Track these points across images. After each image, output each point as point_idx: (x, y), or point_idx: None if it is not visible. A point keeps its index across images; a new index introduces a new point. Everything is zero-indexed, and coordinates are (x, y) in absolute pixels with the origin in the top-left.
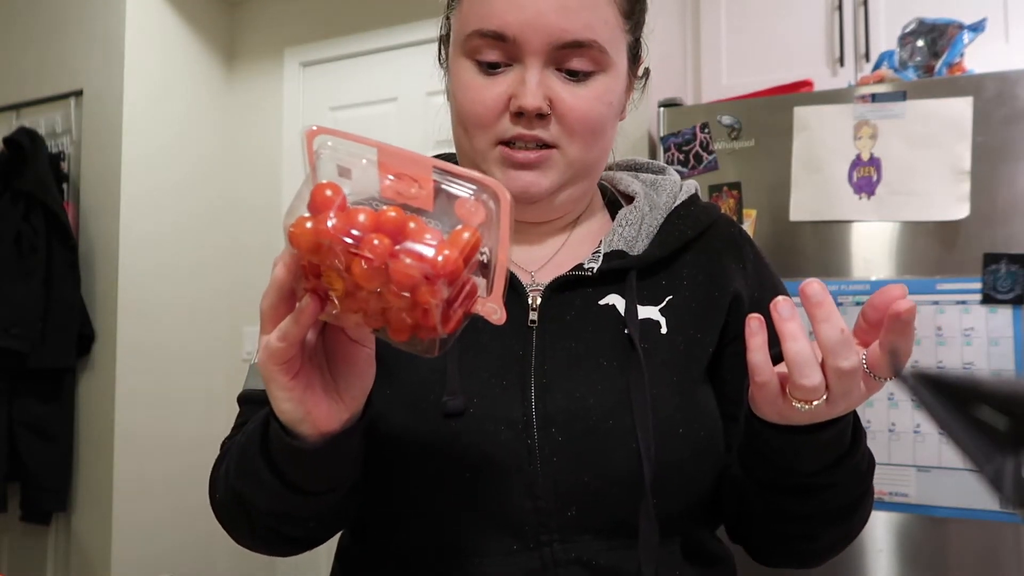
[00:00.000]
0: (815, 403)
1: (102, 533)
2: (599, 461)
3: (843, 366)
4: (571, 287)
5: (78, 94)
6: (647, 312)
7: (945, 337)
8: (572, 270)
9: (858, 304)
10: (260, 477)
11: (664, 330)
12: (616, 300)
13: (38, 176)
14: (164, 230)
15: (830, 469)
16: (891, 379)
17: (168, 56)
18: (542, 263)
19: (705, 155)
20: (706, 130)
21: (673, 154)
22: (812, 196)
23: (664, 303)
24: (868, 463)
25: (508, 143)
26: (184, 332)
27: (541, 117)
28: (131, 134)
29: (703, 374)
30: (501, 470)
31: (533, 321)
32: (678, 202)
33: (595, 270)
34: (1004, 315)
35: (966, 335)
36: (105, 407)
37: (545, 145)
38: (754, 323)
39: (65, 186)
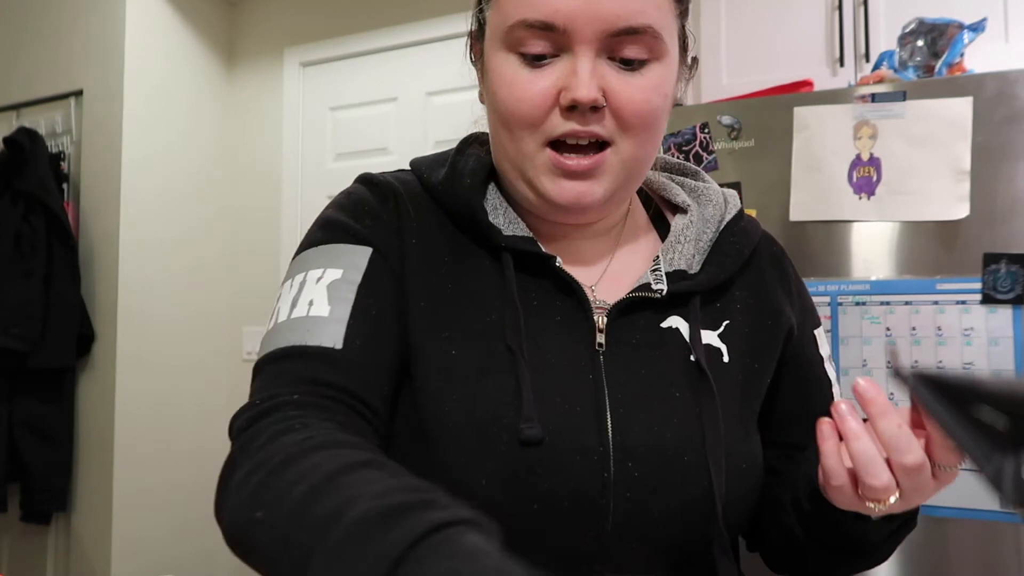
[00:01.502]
0: (890, 501)
1: (102, 533)
2: (670, 496)
3: (907, 462)
4: (635, 308)
5: (78, 94)
6: (708, 338)
7: (945, 337)
8: (637, 290)
9: (858, 304)
10: None
11: (726, 358)
12: (679, 323)
13: (38, 176)
14: (164, 230)
15: (890, 538)
16: (957, 466)
17: (168, 56)
18: (597, 277)
19: (705, 155)
20: (706, 130)
21: (673, 154)
22: (812, 196)
23: (722, 328)
24: (917, 521)
25: (558, 142)
26: (184, 332)
27: (595, 110)
28: (131, 134)
29: (756, 407)
30: (572, 502)
31: (600, 344)
32: (729, 217)
33: (664, 292)
34: (1004, 315)
35: (966, 335)
36: (105, 407)
37: (598, 144)
38: (825, 427)
39: (65, 186)
